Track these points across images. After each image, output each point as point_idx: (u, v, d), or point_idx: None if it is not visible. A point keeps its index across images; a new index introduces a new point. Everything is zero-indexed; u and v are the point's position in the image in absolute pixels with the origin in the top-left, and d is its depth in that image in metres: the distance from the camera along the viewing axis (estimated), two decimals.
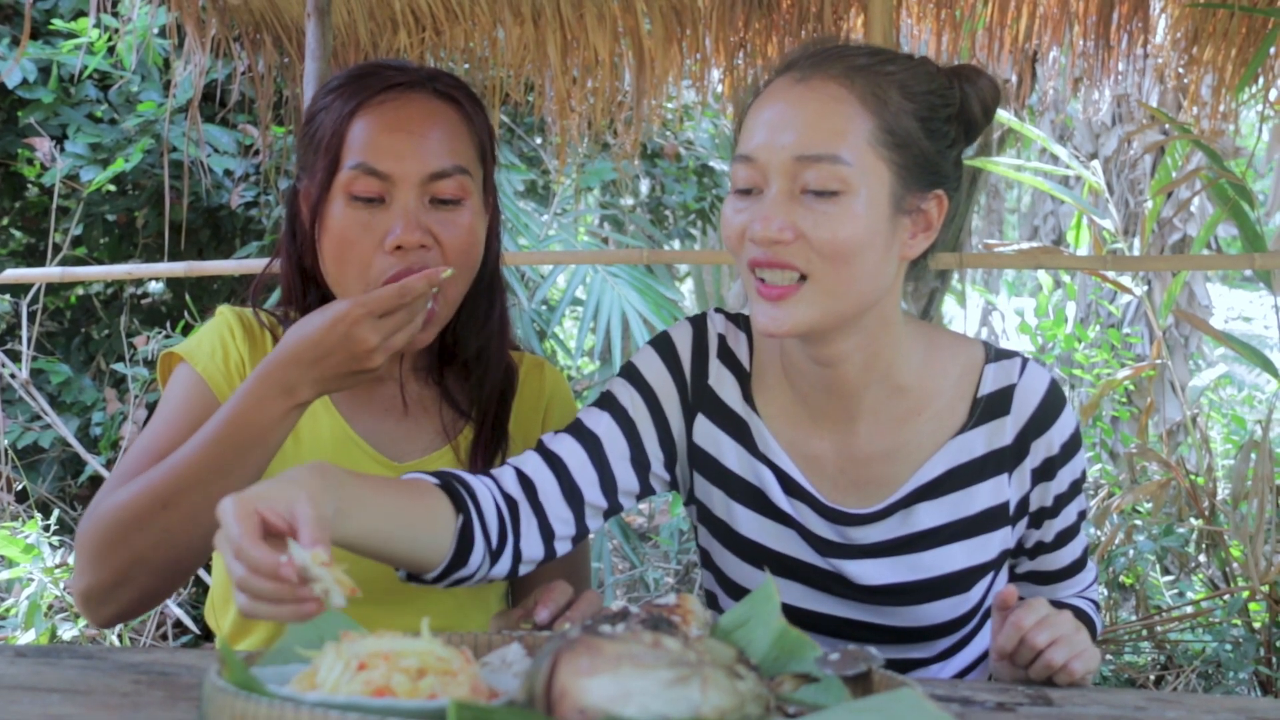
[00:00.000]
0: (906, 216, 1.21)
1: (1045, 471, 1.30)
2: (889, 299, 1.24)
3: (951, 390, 1.30)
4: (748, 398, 1.33)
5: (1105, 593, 3.31)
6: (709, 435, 1.34)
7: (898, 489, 1.29)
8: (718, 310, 1.40)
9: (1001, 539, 1.32)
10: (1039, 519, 1.33)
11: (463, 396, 1.44)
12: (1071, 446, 1.31)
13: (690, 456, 1.35)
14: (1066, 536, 1.35)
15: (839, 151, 1.16)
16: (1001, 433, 1.29)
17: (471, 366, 1.43)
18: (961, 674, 1.39)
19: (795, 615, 1.31)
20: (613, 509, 1.32)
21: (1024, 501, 1.32)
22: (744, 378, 1.34)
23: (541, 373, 1.51)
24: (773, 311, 1.18)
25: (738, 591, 1.36)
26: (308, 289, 1.40)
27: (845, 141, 1.16)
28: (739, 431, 1.33)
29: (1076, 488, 1.34)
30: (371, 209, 1.29)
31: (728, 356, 1.35)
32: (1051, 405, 1.29)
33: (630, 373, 1.35)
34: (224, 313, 1.42)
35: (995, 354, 1.32)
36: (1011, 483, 1.30)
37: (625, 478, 1.32)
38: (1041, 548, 1.35)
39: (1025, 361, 1.31)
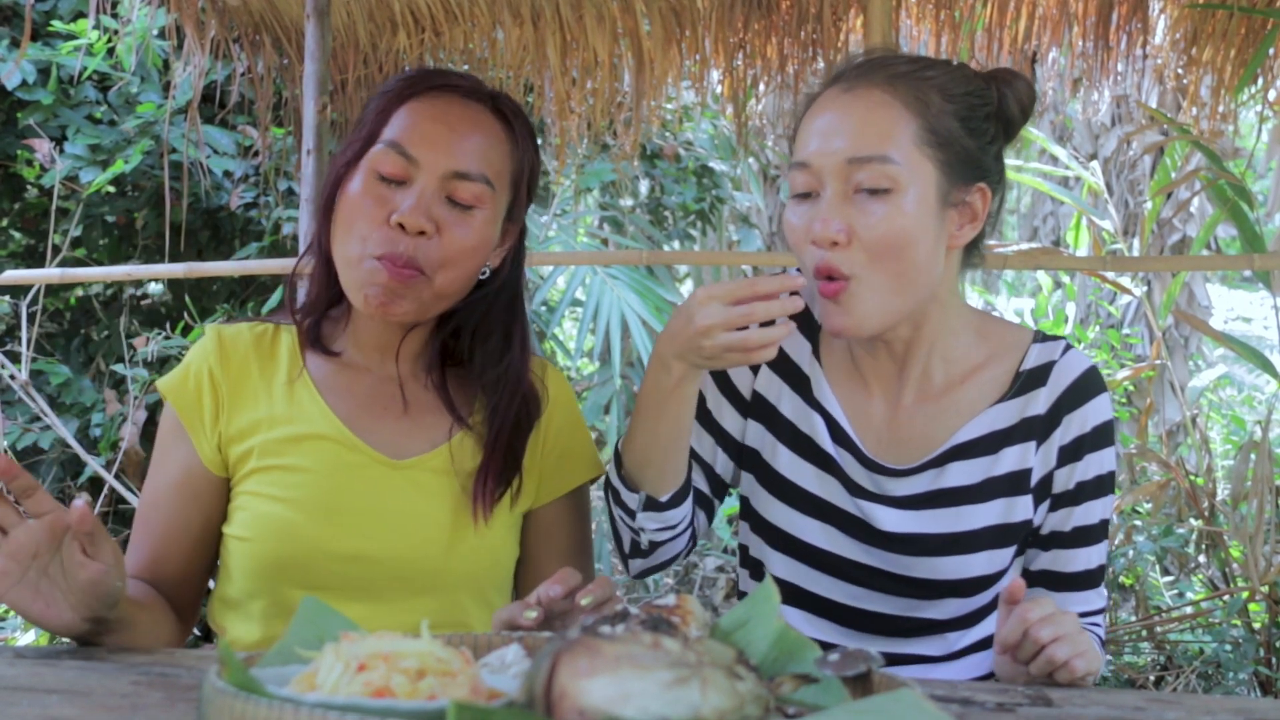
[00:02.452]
0: (953, 209, 1.30)
1: (1074, 451, 1.35)
2: (943, 285, 1.34)
3: (998, 364, 1.39)
4: (816, 352, 1.44)
5: (1105, 593, 3.31)
6: (770, 384, 1.44)
7: (935, 449, 1.37)
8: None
9: (1024, 508, 1.35)
10: (1059, 503, 1.36)
11: (461, 397, 1.44)
12: (1105, 432, 1.36)
13: (751, 404, 1.45)
14: (1085, 536, 1.37)
15: (888, 152, 1.25)
16: (1036, 402, 1.36)
17: (488, 393, 1.42)
18: (976, 646, 1.41)
19: (820, 556, 1.39)
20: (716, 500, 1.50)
21: (1047, 480, 1.36)
22: (814, 332, 1.45)
23: (544, 375, 1.51)
24: (837, 312, 1.28)
25: (769, 532, 1.42)
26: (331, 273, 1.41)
27: (893, 143, 1.26)
28: (798, 382, 1.43)
29: (1102, 485, 1.37)
30: (390, 188, 1.32)
31: (803, 315, 1.44)
32: (1089, 384, 1.36)
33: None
34: (206, 334, 1.44)
35: (1043, 337, 1.40)
36: (1038, 453, 1.36)
37: (725, 469, 1.47)
38: (1057, 539, 1.37)
39: (1069, 346, 1.39)
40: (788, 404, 1.43)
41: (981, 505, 1.35)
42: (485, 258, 1.38)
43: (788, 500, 1.41)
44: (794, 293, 1.17)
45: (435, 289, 1.32)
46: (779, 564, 1.42)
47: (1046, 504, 1.37)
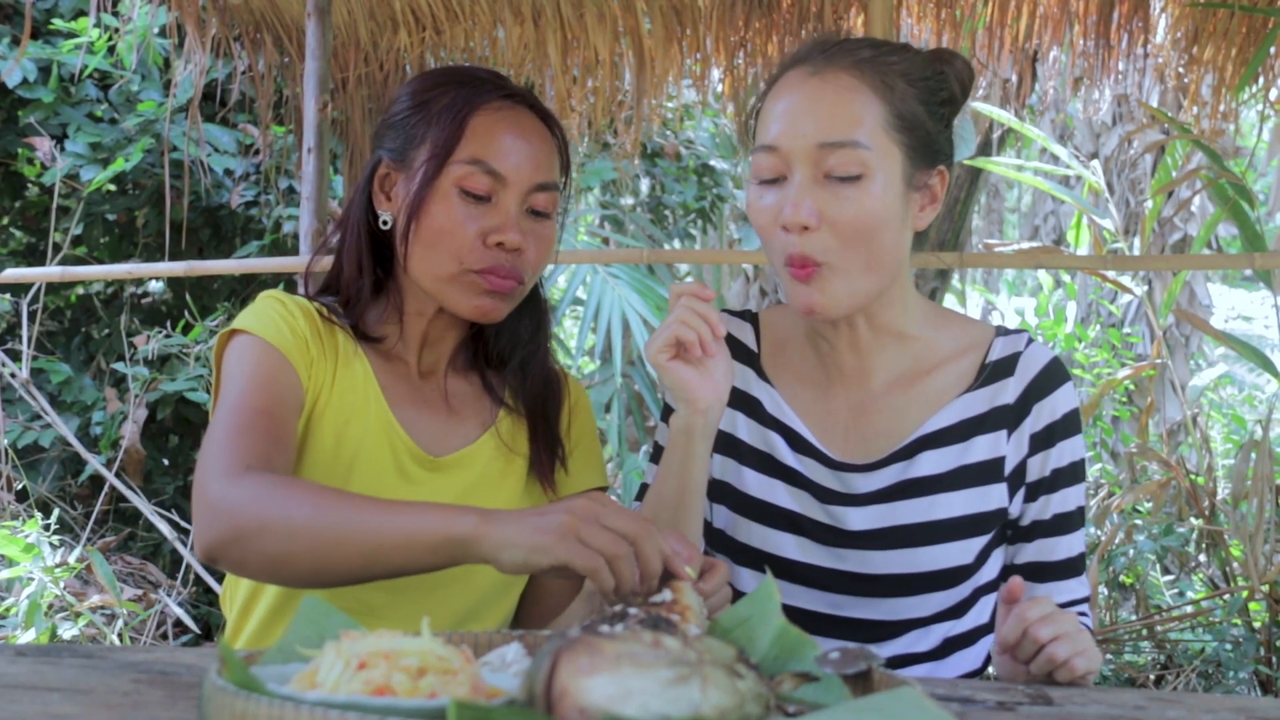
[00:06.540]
0: (917, 192, 1.32)
1: (1046, 438, 1.36)
2: (903, 269, 1.36)
3: (963, 355, 1.40)
4: (761, 375, 1.45)
5: (1105, 592, 3.31)
6: (726, 416, 1.43)
7: (903, 440, 1.37)
8: (721, 310, 1.49)
9: (998, 496, 1.36)
10: (1036, 491, 1.37)
11: (501, 389, 1.48)
12: (1073, 420, 1.37)
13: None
14: (1065, 524, 1.37)
15: (858, 137, 1.25)
16: (1005, 392, 1.37)
17: (515, 375, 1.48)
18: (963, 640, 1.40)
19: (794, 569, 1.38)
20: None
21: (1021, 468, 1.37)
22: (752, 358, 1.46)
23: (565, 384, 1.54)
24: (807, 292, 1.28)
25: (744, 554, 1.42)
26: (373, 265, 1.41)
27: (863, 127, 1.26)
28: (748, 406, 1.44)
29: (1076, 471, 1.38)
30: (479, 205, 1.35)
31: (734, 346, 1.44)
32: (1056, 373, 1.38)
33: (665, 412, 1.44)
34: (270, 295, 1.41)
35: (1005, 331, 1.42)
36: (1010, 442, 1.37)
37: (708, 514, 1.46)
38: (1039, 528, 1.37)
39: (1031, 339, 1.41)
40: (744, 429, 1.44)
41: (953, 494, 1.35)
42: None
43: (762, 519, 1.40)
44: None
45: (524, 290, 1.40)
46: (754, 584, 1.41)
47: (1022, 493, 1.37)
